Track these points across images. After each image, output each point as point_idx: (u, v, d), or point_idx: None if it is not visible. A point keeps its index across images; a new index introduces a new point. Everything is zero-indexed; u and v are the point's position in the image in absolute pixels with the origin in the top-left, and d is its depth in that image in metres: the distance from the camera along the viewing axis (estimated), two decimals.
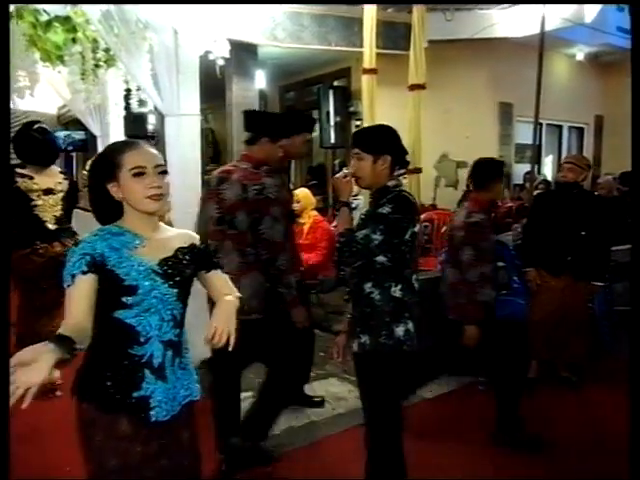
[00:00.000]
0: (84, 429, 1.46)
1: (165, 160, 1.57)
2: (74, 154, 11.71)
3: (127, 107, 5.06)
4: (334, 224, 2.14)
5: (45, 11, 3.21)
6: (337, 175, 2.12)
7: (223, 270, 1.67)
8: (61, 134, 10.83)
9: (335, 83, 7.85)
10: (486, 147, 7.94)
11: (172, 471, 1.52)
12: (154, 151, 1.50)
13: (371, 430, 2.10)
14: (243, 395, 3.38)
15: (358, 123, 7.36)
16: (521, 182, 7.90)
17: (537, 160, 7.59)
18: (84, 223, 6.57)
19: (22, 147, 3.39)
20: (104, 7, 2.82)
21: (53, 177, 3.49)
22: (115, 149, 1.49)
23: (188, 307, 1.58)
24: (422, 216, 4.24)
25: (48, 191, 3.42)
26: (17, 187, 3.30)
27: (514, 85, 7.36)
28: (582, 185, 3.64)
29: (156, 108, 4.03)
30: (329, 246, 4.24)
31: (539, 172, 8.30)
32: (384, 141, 2.08)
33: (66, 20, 3.30)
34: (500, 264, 4.25)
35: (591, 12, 6.48)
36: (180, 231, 1.64)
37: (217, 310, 1.50)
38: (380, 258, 1.95)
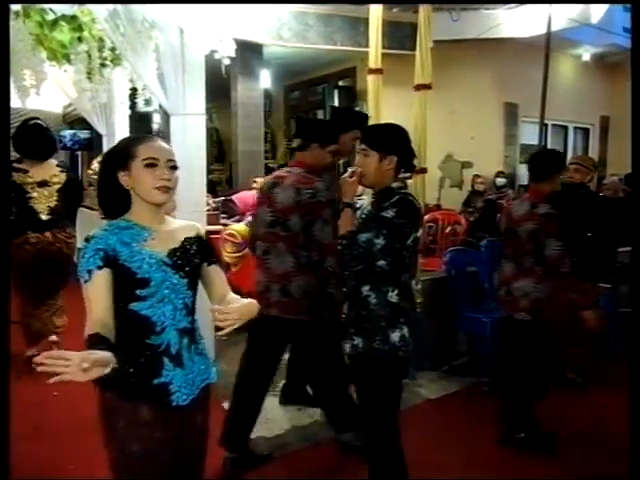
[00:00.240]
0: (107, 417, 1.51)
1: None
2: (79, 153, 11.74)
3: (133, 106, 5.07)
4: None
5: (52, 10, 3.22)
6: (344, 175, 2.10)
7: (274, 272, 1.78)
8: (66, 133, 10.87)
9: (340, 83, 7.86)
10: (491, 148, 7.94)
11: (185, 453, 1.59)
12: (166, 146, 1.55)
13: (369, 432, 2.11)
14: None
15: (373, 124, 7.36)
16: (526, 183, 7.89)
17: None
18: (89, 221, 6.62)
19: (19, 142, 3.66)
20: (111, 6, 2.82)
21: (49, 170, 3.68)
22: (131, 140, 1.56)
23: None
24: (426, 216, 4.24)
25: (43, 183, 3.62)
26: (13, 180, 3.51)
27: (520, 85, 7.34)
28: (588, 186, 3.63)
29: (161, 107, 4.03)
30: None
31: None
32: (392, 141, 2.05)
33: (72, 19, 3.31)
34: None
35: (597, 12, 6.46)
36: (185, 222, 1.68)
37: (244, 304, 1.47)
38: (380, 262, 1.93)
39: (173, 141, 3.23)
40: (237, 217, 5.14)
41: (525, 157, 8.59)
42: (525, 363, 2.85)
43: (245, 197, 5.15)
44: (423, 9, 3.49)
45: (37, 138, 3.69)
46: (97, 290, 1.42)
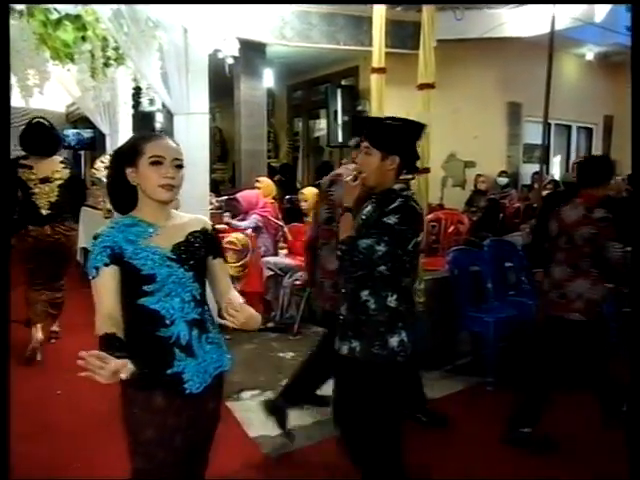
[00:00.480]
0: (125, 406, 1.57)
1: None
2: (82, 152, 11.75)
3: (136, 105, 5.08)
4: None
5: (56, 9, 3.23)
6: (347, 178, 2.06)
7: (328, 267, 1.92)
8: (69, 132, 10.88)
9: (343, 82, 7.84)
10: (494, 147, 7.93)
11: (197, 439, 1.65)
12: (173, 144, 1.59)
13: (366, 436, 2.07)
14: (249, 394, 3.42)
15: (365, 117, 7.35)
16: (529, 182, 7.88)
17: (546, 160, 7.55)
18: (92, 220, 6.63)
19: (24, 140, 3.92)
20: (115, 6, 2.83)
21: (52, 166, 3.89)
22: (140, 137, 1.60)
23: None
24: (429, 216, 4.23)
25: (45, 179, 3.84)
26: (19, 177, 3.78)
27: (523, 85, 7.32)
28: None
29: (164, 106, 4.03)
30: None
31: (547, 172, 8.26)
32: (396, 140, 1.99)
33: (76, 18, 3.32)
34: (508, 264, 4.26)
35: (601, 12, 6.44)
36: (192, 216, 1.71)
37: (254, 314, 1.49)
38: (381, 268, 1.90)
39: (176, 140, 3.23)
40: (241, 216, 5.14)
41: (528, 157, 8.60)
42: (565, 361, 2.88)
43: (249, 196, 5.14)
44: (426, 8, 3.48)
45: (41, 136, 3.92)
46: (105, 286, 1.47)
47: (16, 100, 3.91)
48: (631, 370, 1.63)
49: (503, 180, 7.43)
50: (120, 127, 5.21)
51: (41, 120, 4.04)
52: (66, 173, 3.94)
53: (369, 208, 2.03)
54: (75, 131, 10.88)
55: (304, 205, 4.96)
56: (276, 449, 2.82)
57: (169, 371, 1.53)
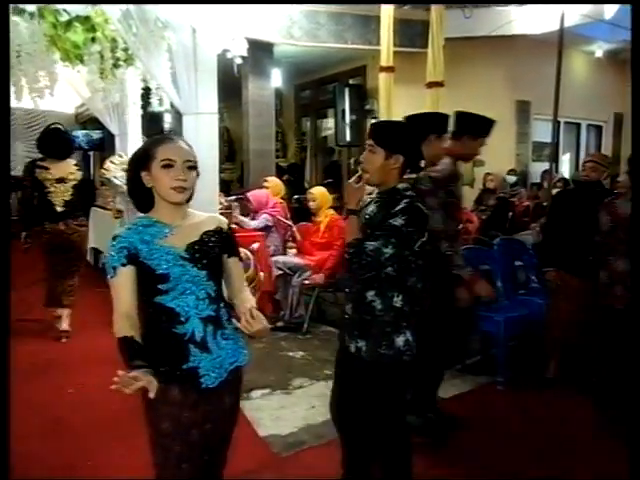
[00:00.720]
0: (145, 398, 1.56)
1: None
2: (91, 153, 11.83)
3: (144, 106, 5.10)
4: None
5: (66, 11, 3.24)
6: (350, 180, 2.06)
7: None
8: (79, 133, 10.96)
9: (350, 81, 7.84)
10: (503, 145, 7.87)
11: (213, 435, 1.68)
12: (186, 147, 1.63)
13: (378, 435, 2.10)
14: (259, 393, 3.43)
15: (374, 121, 7.34)
16: (538, 181, 7.83)
17: (555, 158, 7.51)
18: (101, 220, 6.66)
19: (42, 144, 4.33)
20: (124, 6, 2.84)
21: (67, 168, 4.30)
22: (152, 142, 1.65)
23: None
24: None
25: (60, 180, 4.24)
26: (35, 177, 4.18)
27: (532, 83, 7.28)
28: (604, 184, 3.60)
29: (172, 107, 4.05)
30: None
31: (556, 171, 8.21)
32: (401, 139, 2.01)
33: (86, 20, 3.33)
34: (518, 263, 4.24)
35: (611, 9, 6.38)
36: (208, 215, 1.76)
37: (267, 326, 1.54)
38: (388, 269, 1.92)
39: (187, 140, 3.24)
40: (251, 215, 5.15)
41: (537, 155, 8.55)
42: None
43: (260, 195, 5.15)
44: (435, 6, 3.48)
45: (56, 140, 4.35)
46: (122, 285, 1.55)
47: (25, 102, 3.96)
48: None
49: (512, 178, 7.39)
50: (129, 128, 5.22)
51: (58, 126, 4.48)
52: (79, 175, 4.38)
53: (373, 208, 2.04)
54: (84, 132, 10.96)
55: (312, 204, 4.96)
56: (286, 448, 2.82)
57: (185, 366, 1.58)
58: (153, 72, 3.23)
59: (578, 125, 9.25)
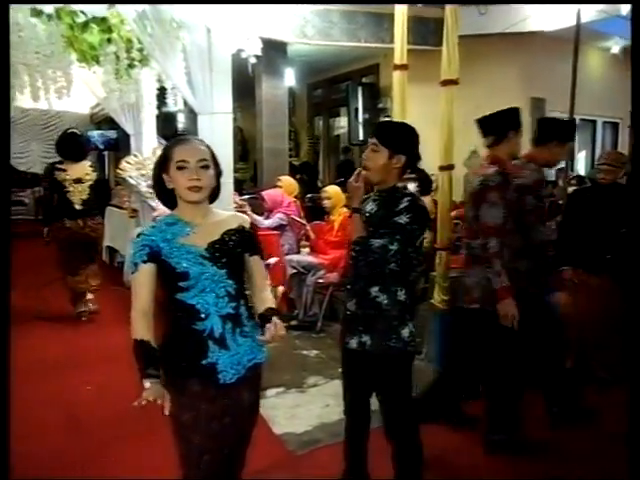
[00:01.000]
0: (166, 390, 1.64)
1: None
2: (106, 153, 11.93)
3: (159, 106, 5.14)
4: None
5: (83, 12, 3.28)
6: (350, 179, 2.10)
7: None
8: (94, 133, 11.07)
9: (363, 80, 7.83)
10: None
11: (232, 429, 1.72)
12: (200, 147, 1.67)
13: (391, 424, 2.16)
14: (274, 391, 3.44)
15: (387, 120, 7.32)
16: (553, 179, 7.74)
17: (570, 156, 7.43)
18: (117, 220, 6.71)
19: (60, 147, 4.73)
20: (139, 7, 2.87)
21: (83, 169, 4.70)
22: (170, 144, 1.71)
23: None
24: (453, 213, 4.19)
25: (78, 180, 4.62)
26: (54, 178, 4.57)
27: (547, 80, 7.20)
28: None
29: (186, 106, 4.07)
30: None
31: (572, 169, 8.12)
32: (404, 140, 2.07)
33: (102, 21, 3.37)
34: None
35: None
36: (230, 214, 1.82)
37: (284, 333, 1.64)
38: (392, 265, 1.98)
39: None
40: (265, 214, 5.16)
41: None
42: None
43: (274, 195, 5.17)
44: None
45: (73, 143, 4.74)
46: (141, 282, 1.61)
47: (42, 102, 4.02)
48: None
49: None
50: (144, 128, 5.26)
51: (74, 130, 4.90)
52: (94, 175, 4.76)
53: (372, 205, 2.10)
54: (100, 132, 11.06)
55: (327, 203, 4.96)
56: (301, 446, 2.83)
57: (204, 362, 1.63)
58: (168, 72, 3.26)
59: (594, 122, 9.13)
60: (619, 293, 3.41)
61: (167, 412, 1.49)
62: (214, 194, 1.75)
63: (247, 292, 1.78)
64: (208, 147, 1.71)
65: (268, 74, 6.43)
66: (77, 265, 4.72)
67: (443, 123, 3.50)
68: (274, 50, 6.12)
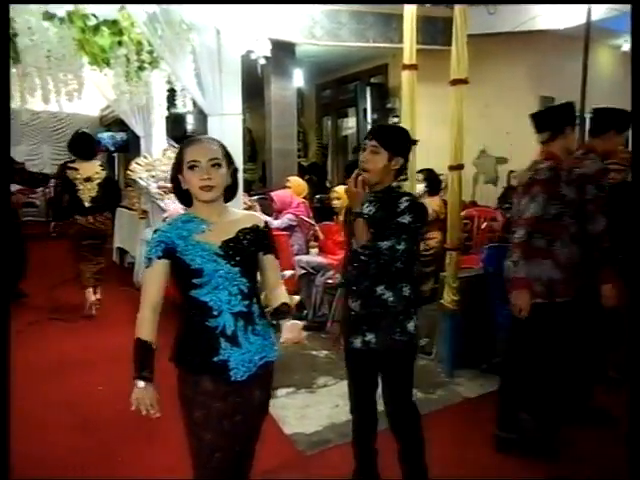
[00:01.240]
0: (180, 387, 1.71)
1: None
2: (116, 154, 12.00)
3: (169, 107, 5.18)
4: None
5: (94, 15, 3.31)
6: (349, 184, 2.10)
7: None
8: (104, 135, 11.14)
9: (372, 80, 7.81)
10: (527, 142, 7.74)
11: (243, 426, 1.74)
12: (211, 146, 1.69)
13: (397, 415, 2.21)
14: (284, 391, 3.45)
15: (396, 120, 7.31)
16: None
17: None
18: (127, 221, 6.74)
19: (72, 146, 5.02)
20: (150, 9, 2.89)
21: (93, 168, 4.95)
22: (182, 145, 1.73)
23: None
24: (462, 213, 4.18)
25: (88, 179, 4.86)
26: (66, 176, 4.83)
27: (556, 78, 7.15)
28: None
29: (195, 108, 4.10)
30: None
31: None
32: (403, 143, 2.13)
33: (113, 24, 3.40)
34: None
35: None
36: (246, 213, 1.85)
37: (287, 327, 1.69)
38: (398, 264, 2.03)
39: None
40: (274, 215, 5.17)
41: None
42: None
43: (283, 195, 5.17)
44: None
45: (84, 142, 5.03)
46: (153, 276, 1.66)
47: (52, 105, 4.06)
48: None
49: None
50: (154, 129, 5.30)
51: (85, 130, 5.27)
52: (104, 174, 4.99)
53: (370, 207, 2.12)
54: (110, 134, 11.13)
55: (337, 203, 4.96)
56: (311, 447, 2.84)
57: (215, 358, 1.65)
58: (178, 74, 3.29)
59: None
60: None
61: (157, 415, 1.53)
62: (230, 192, 1.76)
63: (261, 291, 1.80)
64: (221, 146, 1.71)
65: (277, 75, 6.44)
66: (86, 257, 5.03)
67: (453, 122, 3.49)
68: (283, 51, 6.13)
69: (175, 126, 7.84)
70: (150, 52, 3.82)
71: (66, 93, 3.71)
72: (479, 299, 3.70)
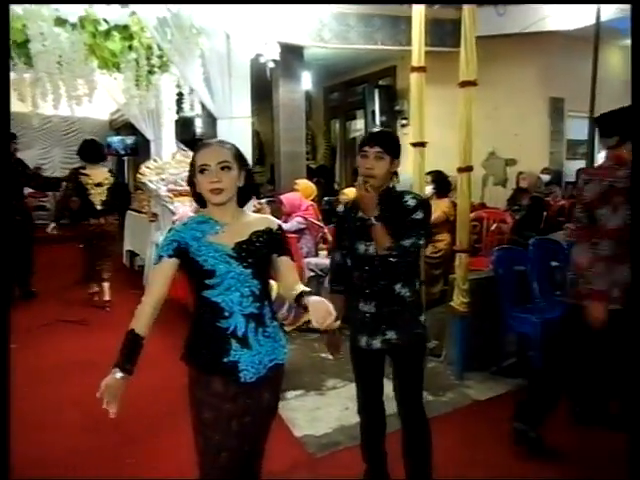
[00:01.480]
0: (190, 387, 1.73)
1: None
2: (125, 158, 12.09)
3: (178, 111, 5.22)
4: None
5: (105, 20, 3.35)
6: (359, 191, 2.09)
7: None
8: (114, 139, 11.22)
9: (380, 82, 7.81)
10: (536, 144, 7.75)
11: (252, 427, 1.75)
12: (221, 149, 1.69)
13: (412, 409, 2.21)
14: (293, 394, 3.45)
15: (404, 122, 7.31)
16: (573, 179, 7.66)
17: (591, 156, 7.37)
18: (137, 224, 6.77)
19: (82, 152, 5.32)
20: (160, 14, 2.92)
21: (103, 174, 5.33)
22: (195, 149, 1.74)
23: None
24: (471, 215, 4.15)
25: (98, 184, 5.24)
26: (80, 182, 5.20)
27: (565, 79, 7.14)
28: None
29: (204, 110, 4.12)
30: None
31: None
32: (398, 146, 2.18)
33: (124, 28, 3.43)
34: (555, 263, 4.15)
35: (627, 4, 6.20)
36: (260, 216, 1.86)
37: (313, 305, 1.54)
38: (413, 259, 2.11)
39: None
40: (283, 218, 5.17)
41: (572, 153, 8.34)
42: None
43: (292, 198, 5.17)
44: (467, 4, 3.43)
45: (94, 148, 5.37)
46: (160, 273, 1.67)
47: (63, 109, 4.10)
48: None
49: (546, 177, 7.24)
50: (164, 133, 5.34)
51: (94, 138, 5.73)
52: (112, 179, 5.35)
53: (378, 211, 2.13)
54: (120, 138, 11.21)
55: None
56: (321, 449, 2.84)
57: (225, 359, 1.66)
58: (188, 78, 3.31)
59: None
60: None
61: (111, 415, 1.53)
62: (244, 194, 1.76)
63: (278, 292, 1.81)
64: (232, 148, 1.71)
65: (285, 78, 6.46)
66: (97, 255, 5.44)
67: (462, 125, 3.47)
68: (291, 54, 6.14)
69: (184, 130, 7.88)
70: (160, 56, 3.86)
71: (77, 97, 3.74)
72: (488, 301, 3.69)
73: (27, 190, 6.34)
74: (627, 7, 5.97)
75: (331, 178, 8.99)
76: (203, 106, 3.86)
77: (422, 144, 3.79)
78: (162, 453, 2.78)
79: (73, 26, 3.22)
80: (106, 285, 5.50)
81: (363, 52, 6.72)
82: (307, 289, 1.66)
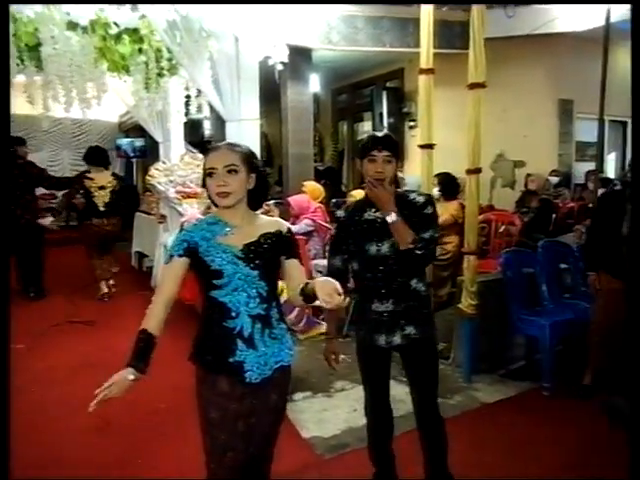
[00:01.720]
0: (197, 387, 1.75)
1: None
2: (134, 160, 12.14)
3: (187, 114, 5.25)
4: None
5: (116, 24, 3.38)
6: (377, 191, 2.09)
7: None
8: (123, 141, 11.28)
9: (388, 84, 7.82)
10: (545, 146, 7.71)
11: (258, 428, 1.76)
12: (228, 152, 1.69)
13: (429, 406, 2.23)
14: (301, 395, 3.46)
15: (412, 124, 7.31)
16: (582, 181, 7.62)
17: (600, 158, 7.34)
18: (146, 225, 6.80)
19: (88, 158, 5.68)
20: (170, 17, 2.94)
21: (106, 178, 5.65)
22: (205, 153, 1.77)
23: None
24: (480, 217, 4.14)
25: (102, 187, 5.56)
26: (85, 185, 5.53)
27: (574, 81, 7.09)
28: None
29: (212, 112, 4.14)
30: None
31: (601, 171, 7.96)
32: (399, 148, 2.23)
33: (134, 32, 3.46)
34: (564, 266, 4.13)
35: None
36: (271, 219, 1.87)
37: (319, 283, 1.55)
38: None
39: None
40: (291, 220, 5.18)
41: (581, 155, 8.29)
42: None
43: (301, 200, 5.18)
44: (476, 6, 3.42)
45: (99, 154, 5.71)
46: (170, 272, 1.70)
47: (74, 112, 4.13)
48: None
49: (555, 179, 7.21)
50: (172, 135, 5.37)
51: (99, 144, 6.34)
52: (115, 183, 5.67)
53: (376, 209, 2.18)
54: (129, 140, 11.27)
55: None
56: (329, 450, 2.84)
57: (231, 359, 1.68)
58: (197, 80, 3.33)
59: (624, 124, 8.93)
60: None
61: (90, 409, 1.53)
62: (255, 196, 1.75)
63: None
64: (242, 152, 1.69)
65: (293, 80, 6.47)
66: (100, 254, 5.78)
67: (470, 126, 3.47)
68: (299, 56, 6.16)
69: (193, 132, 7.92)
70: (169, 59, 3.88)
71: (87, 100, 3.77)
72: (497, 304, 3.68)
73: (39, 191, 6.41)
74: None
75: (338, 180, 9.00)
76: (212, 108, 3.87)
77: (430, 146, 3.79)
78: (169, 454, 2.79)
79: (84, 29, 3.26)
80: (109, 279, 5.82)
81: (371, 54, 6.73)
82: (310, 281, 1.67)
